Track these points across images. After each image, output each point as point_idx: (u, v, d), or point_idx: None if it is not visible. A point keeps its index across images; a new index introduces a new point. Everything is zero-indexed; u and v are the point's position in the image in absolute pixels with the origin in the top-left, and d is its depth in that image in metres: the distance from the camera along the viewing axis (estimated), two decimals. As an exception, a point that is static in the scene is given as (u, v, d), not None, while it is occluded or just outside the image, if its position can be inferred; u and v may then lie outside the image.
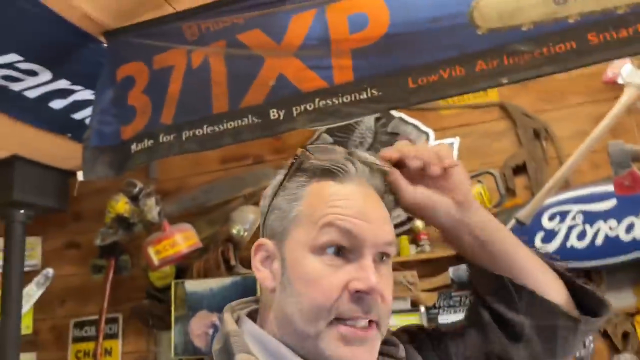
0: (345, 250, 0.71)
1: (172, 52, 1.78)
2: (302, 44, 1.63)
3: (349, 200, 0.72)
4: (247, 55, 1.69)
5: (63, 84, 2.01)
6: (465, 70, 1.47)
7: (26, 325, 2.92)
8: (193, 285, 2.65)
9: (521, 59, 1.43)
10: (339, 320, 0.69)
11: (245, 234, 2.54)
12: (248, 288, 2.51)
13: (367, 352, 0.70)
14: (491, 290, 0.81)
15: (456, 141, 2.47)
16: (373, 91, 1.55)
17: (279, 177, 0.78)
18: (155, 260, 2.44)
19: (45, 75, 1.95)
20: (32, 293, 2.86)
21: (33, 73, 1.92)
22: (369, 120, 2.61)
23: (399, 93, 1.54)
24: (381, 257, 0.73)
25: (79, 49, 1.88)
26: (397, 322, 1.77)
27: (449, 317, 2.26)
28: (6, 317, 2.47)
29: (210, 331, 2.60)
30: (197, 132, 1.69)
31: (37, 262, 3.00)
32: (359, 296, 0.69)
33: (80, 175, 1.77)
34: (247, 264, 2.52)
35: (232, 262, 2.67)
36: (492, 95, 2.47)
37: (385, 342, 0.78)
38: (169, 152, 1.71)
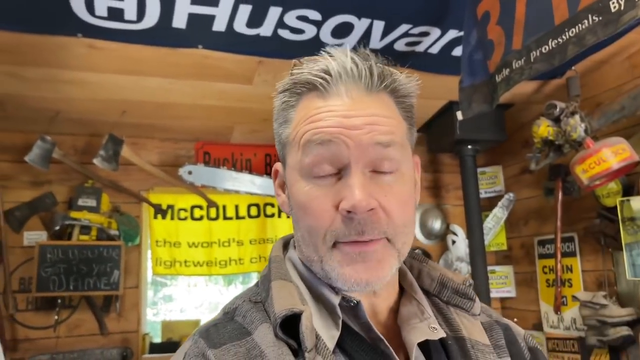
0: (332, 167, 0.64)
1: (514, -27, 1.73)
2: None
3: (330, 112, 0.64)
4: (582, -56, 1.46)
5: (452, 34, 2.26)
6: None
7: (501, 243, 3.37)
8: (640, 203, 2.39)
9: None
10: (339, 243, 0.64)
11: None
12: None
13: (371, 268, 0.63)
14: None
15: None
16: None
17: (275, 100, 0.72)
18: (584, 179, 2.36)
19: (435, 32, 2.24)
20: (499, 215, 3.28)
21: (425, 34, 2.26)
22: None
23: None
24: (380, 165, 0.64)
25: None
26: None
27: None
28: (471, 234, 2.96)
29: (667, 253, 2.29)
30: (543, 50, 1.60)
31: (500, 187, 3.37)
32: (350, 216, 0.62)
33: (459, 115, 1.97)
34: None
35: (686, 174, 2.24)
36: None
37: (456, 292, 0.72)
38: (521, 76, 1.69)
